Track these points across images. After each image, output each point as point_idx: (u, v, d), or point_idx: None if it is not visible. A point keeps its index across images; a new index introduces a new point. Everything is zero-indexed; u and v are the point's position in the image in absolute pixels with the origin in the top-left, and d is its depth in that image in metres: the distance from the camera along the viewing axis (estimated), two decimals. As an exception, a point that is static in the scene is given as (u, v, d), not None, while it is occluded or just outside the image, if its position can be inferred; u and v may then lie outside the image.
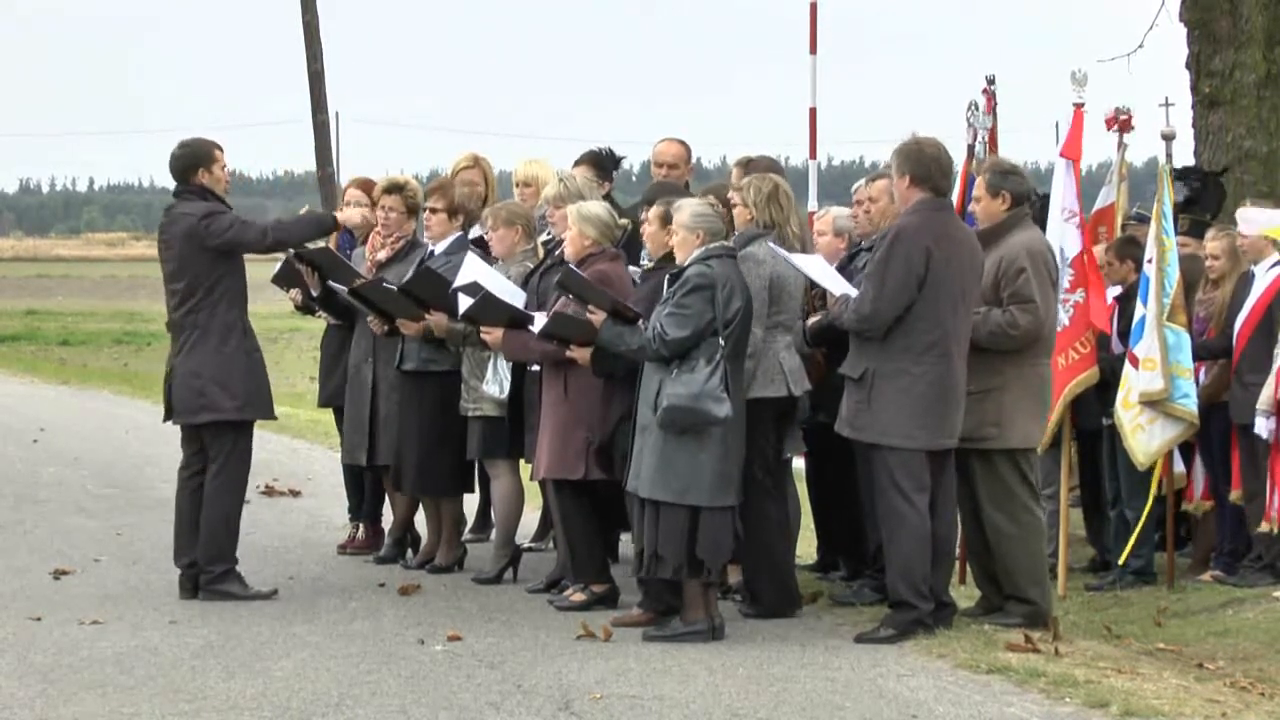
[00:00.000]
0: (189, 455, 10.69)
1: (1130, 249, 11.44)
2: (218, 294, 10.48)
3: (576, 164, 11.82)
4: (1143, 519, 10.90)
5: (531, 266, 10.89)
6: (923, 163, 9.50)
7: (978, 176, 10.09)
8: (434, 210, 11.27)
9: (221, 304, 10.49)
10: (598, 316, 9.66)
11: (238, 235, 10.42)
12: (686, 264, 9.48)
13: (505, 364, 10.71)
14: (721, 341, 9.31)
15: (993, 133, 11.45)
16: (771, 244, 9.81)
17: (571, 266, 10.18)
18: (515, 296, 10.57)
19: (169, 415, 10.78)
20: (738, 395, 9.38)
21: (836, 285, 9.77)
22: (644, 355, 9.45)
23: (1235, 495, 11.04)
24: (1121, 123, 11.84)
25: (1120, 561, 11.08)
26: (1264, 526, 10.84)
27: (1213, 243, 11.35)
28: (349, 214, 11.33)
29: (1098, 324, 10.97)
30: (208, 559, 10.49)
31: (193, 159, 10.62)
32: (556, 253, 10.64)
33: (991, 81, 11.50)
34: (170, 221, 10.61)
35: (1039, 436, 9.95)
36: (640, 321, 9.58)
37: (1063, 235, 10.76)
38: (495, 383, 10.75)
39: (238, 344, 10.49)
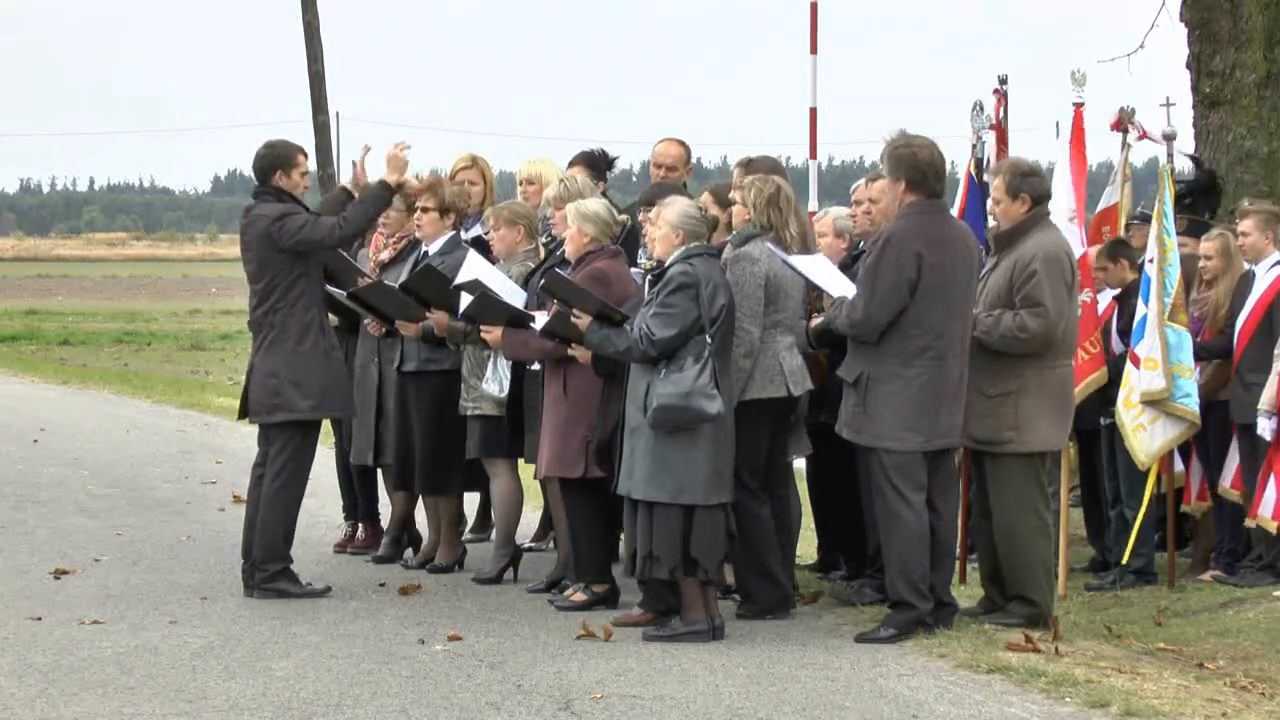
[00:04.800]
0: (263, 452, 10.75)
1: (1120, 251, 11.43)
2: (295, 294, 10.53)
3: (570, 165, 11.82)
4: (1140, 516, 10.90)
5: (533, 266, 10.89)
6: (917, 166, 9.48)
7: (995, 178, 10.04)
8: (425, 209, 11.25)
9: (300, 304, 10.53)
10: (583, 320, 9.66)
11: (309, 235, 10.45)
12: (669, 264, 9.49)
13: (505, 363, 10.71)
14: (708, 339, 9.32)
15: (1004, 133, 11.43)
16: (770, 244, 9.81)
17: (556, 270, 10.19)
18: (515, 295, 10.58)
19: (244, 414, 10.76)
20: (727, 391, 9.39)
21: (835, 286, 9.77)
22: (632, 356, 9.45)
23: (1234, 494, 11.04)
24: (1141, 130, 11.83)
25: (1123, 560, 11.07)
26: (1249, 522, 10.83)
27: (1207, 243, 11.34)
28: (389, 168, 10.86)
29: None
30: (263, 558, 10.55)
31: (275, 160, 10.64)
32: (558, 253, 10.65)
33: (1004, 82, 11.48)
34: (249, 223, 10.64)
35: (1059, 439, 9.94)
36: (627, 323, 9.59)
37: (1068, 236, 10.72)
38: (495, 381, 10.74)
39: (315, 343, 10.54)
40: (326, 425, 12.69)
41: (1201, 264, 11.33)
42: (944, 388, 9.39)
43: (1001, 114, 11.44)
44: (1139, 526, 10.90)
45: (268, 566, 10.55)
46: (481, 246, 11.20)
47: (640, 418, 9.37)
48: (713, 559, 9.42)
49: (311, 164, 13.86)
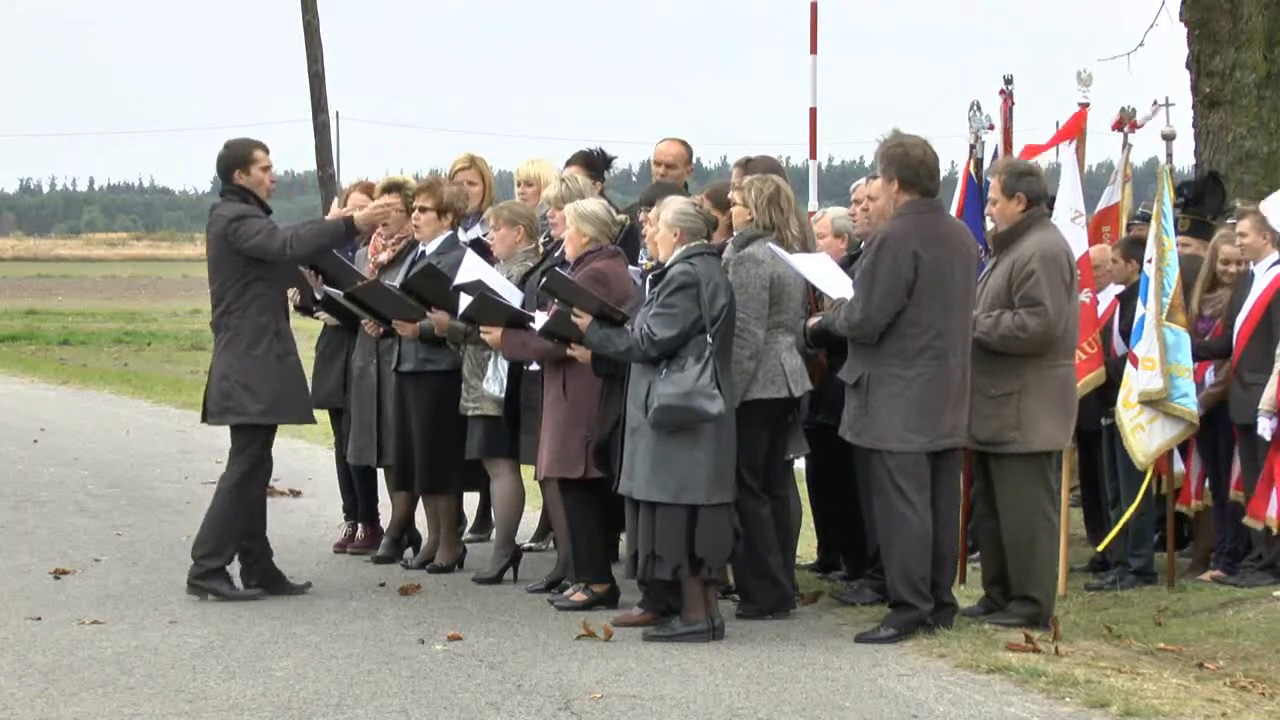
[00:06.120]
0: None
1: (1136, 248, 11.42)
2: (249, 297, 10.46)
3: (568, 164, 11.82)
4: (1128, 512, 10.88)
5: (532, 266, 10.89)
6: (910, 165, 9.48)
7: (992, 178, 10.04)
8: (423, 209, 11.23)
9: (254, 307, 10.47)
10: (584, 320, 9.66)
11: (261, 245, 10.36)
12: (669, 264, 9.49)
13: (505, 363, 10.71)
14: (709, 339, 9.32)
15: (1009, 133, 11.42)
16: (772, 244, 9.82)
17: (557, 270, 10.19)
18: (514, 296, 10.58)
19: (204, 416, 10.76)
20: (728, 391, 9.39)
21: (834, 287, 9.76)
22: (632, 356, 9.45)
23: (1233, 494, 11.03)
24: (1131, 124, 11.84)
25: (1100, 548, 11.07)
26: (1251, 523, 10.83)
27: (1231, 248, 11.29)
28: (363, 213, 11.11)
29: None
30: (202, 553, 10.50)
31: (231, 160, 10.57)
32: (556, 253, 10.65)
33: (1009, 82, 11.47)
34: (211, 222, 10.61)
35: (1063, 439, 9.93)
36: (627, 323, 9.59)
37: (1070, 236, 10.72)
38: (495, 381, 10.75)
39: (269, 347, 10.46)
40: (328, 426, 12.71)
41: (1231, 267, 11.27)
42: (946, 387, 9.38)
43: (1007, 114, 11.42)
44: (1125, 519, 10.88)
45: (205, 563, 10.49)
46: (481, 248, 11.20)
47: (641, 418, 9.36)
48: (718, 558, 9.43)
49: (311, 164, 13.88)
